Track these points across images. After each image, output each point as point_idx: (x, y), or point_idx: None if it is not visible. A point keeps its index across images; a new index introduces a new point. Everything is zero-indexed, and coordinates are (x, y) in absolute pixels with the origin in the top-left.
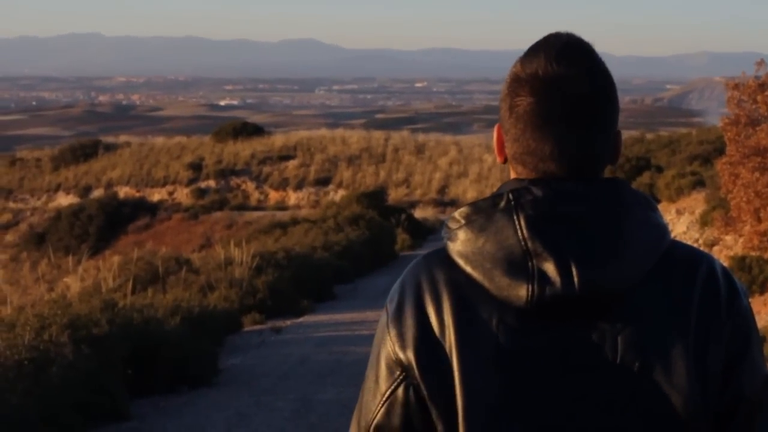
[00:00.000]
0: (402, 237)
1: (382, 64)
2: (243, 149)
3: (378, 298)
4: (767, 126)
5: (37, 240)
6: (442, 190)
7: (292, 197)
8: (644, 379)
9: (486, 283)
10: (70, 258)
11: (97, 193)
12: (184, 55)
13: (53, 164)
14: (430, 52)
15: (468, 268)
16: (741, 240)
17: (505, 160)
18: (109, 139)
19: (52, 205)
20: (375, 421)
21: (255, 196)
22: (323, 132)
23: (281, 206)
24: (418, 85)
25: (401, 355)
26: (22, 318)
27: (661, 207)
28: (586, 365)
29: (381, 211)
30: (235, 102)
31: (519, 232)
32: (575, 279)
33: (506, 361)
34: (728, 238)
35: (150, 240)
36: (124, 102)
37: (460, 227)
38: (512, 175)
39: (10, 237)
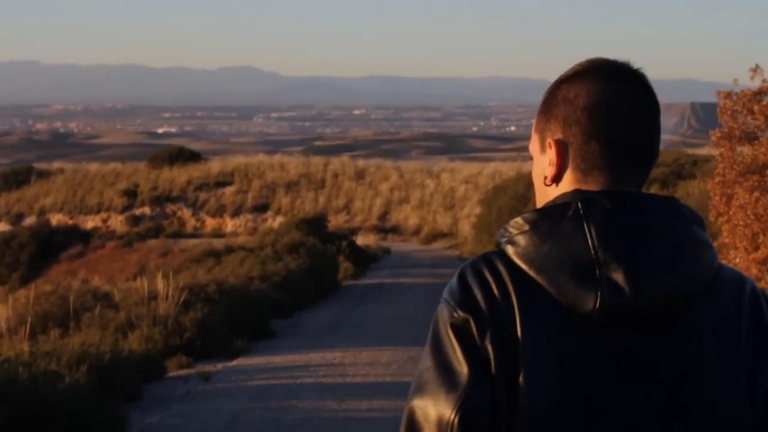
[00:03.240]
0: (345, 265)
1: (320, 92)
2: (179, 175)
3: (322, 335)
4: (767, 140)
5: None
6: (384, 216)
7: (230, 224)
8: (698, 391)
9: (551, 289)
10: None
11: (30, 220)
12: (123, 83)
13: None
14: (368, 79)
15: (531, 272)
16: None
17: (555, 180)
18: (45, 166)
19: None
20: (460, 411)
21: (191, 223)
22: (261, 158)
23: (218, 233)
24: (356, 112)
25: (479, 344)
26: None
27: None
28: (644, 375)
29: (322, 237)
30: (173, 129)
31: (590, 240)
32: (643, 290)
33: (567, 366)
34: None
35: (83, 268)
36: (62, 130)
37: (523, 232)
38: (569, 187)
39: None
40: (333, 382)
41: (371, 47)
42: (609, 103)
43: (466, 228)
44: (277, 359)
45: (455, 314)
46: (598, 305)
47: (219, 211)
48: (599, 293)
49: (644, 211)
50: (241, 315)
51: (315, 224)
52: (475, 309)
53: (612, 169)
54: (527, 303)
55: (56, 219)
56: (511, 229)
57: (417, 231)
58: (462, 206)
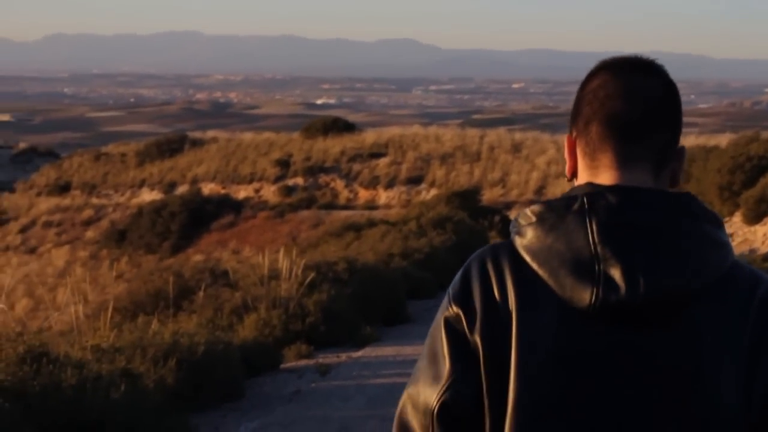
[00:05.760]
0: (496, 241)
1: (479, 65)
2: (332, 146)
3: None
4: None
5: (118, 237)
6: (540, 190)
7: (383, 196)
8: (694, 391)
9: (551, 282)
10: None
11: (182, 189)
12: (282, 54)
13: (138, 159)
14: (528, 52)
15: (534, 265)
16: None
17: (573, 175)
18: (199, 135)
19: (136, 201)
20: (440, 401)
21: (344, 194)
22: (416, 129)
23: (371, 205)
24: (515, 86)
25: (469, 337)
26: None
27: None
28: (639, 372)
29: (473, 212)
30: (332, 101)
31: (590, 235)
32: (640, 287)
33: (562, 360)
34: None
35: (234, 239)
36: (222, 100)
37: (530, 224)
38: (583, 179)
39: (91, 233)
40: None
41: (530, 20)
42: (606, 85)
43: None
44: (408, 350)
45: (450, 308)
46: (594, 301)
47: (372, 183)
48: (596, 289)
49: (651, 208)
50: (373, 297)
51: (467, 198)
52: (467, 303)
53: (615, 146)
54: (526, 296)
55: (208, 188)
56: (521, 221)
57: None
58: None
